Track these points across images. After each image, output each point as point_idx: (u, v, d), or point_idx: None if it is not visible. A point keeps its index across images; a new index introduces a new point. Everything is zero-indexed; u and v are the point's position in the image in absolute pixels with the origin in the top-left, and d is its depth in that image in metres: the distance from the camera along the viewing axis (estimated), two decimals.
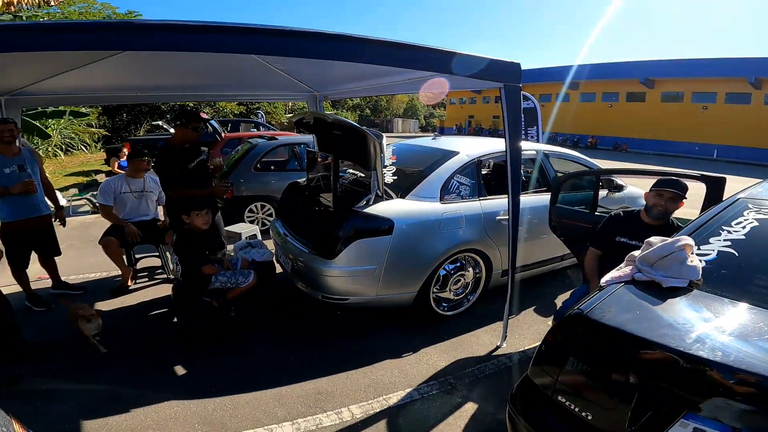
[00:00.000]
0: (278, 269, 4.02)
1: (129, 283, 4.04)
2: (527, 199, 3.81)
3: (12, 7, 9.14)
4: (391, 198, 3.35)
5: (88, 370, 2.79)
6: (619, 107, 31.77)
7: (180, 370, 2.83)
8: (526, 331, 3.50)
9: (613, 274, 1.92)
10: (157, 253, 4.36)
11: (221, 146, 9.41)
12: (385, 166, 3.23)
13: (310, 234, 3.50)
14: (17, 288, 3.64)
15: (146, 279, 4.37)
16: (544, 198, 3.71)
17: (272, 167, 6.63)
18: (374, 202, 3.26)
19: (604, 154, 24.61)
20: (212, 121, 10.46)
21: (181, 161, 3.37)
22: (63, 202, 7.21)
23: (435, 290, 3.49)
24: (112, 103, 10.57)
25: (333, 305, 3.22)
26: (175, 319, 3.43)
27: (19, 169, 3.43)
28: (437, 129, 41.52)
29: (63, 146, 14.18)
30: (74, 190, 9.05)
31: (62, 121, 12.70)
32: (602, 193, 4.21)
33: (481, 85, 3.01)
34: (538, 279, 4.33)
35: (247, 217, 6.14)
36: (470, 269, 3.67)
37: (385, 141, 3.15)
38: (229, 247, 4.63)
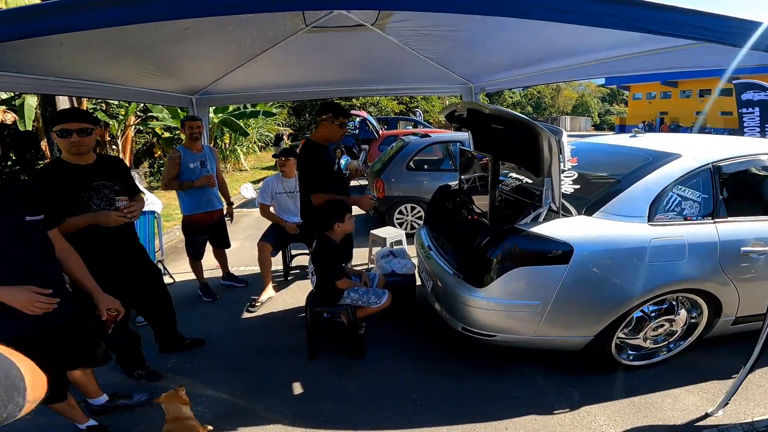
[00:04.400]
0: (419, 281, 3.62)
1: (261, 297, 3.88)
2: None
3: None
4: (571, 214, 2.53)
5: (219, 372, 2.83)
6: None
7: (297, 388, 2.66)
8: (758, 395, 2.45)
9: None
10: (309, 251, 4.43)
11: (379, 143, 9.56)
12: (563, 172, 2.43)
13: (458, 251, 2.95)
14: (192, 277, 4.05)
15: (293, 277, 4.49)
16: None
17: (425, 166, 6.29)
18: (546, 219, 2.49)
19: None
20: (371, 118, 10.80)
21: (326, 161, 3.06)
22: (252, 193, 8.27)
23: (622, 335, 2.60)
24: (278, 100, 11.87)
25: (468, 337, 2.66)
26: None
27: (201, 165, 3.77)
28: (615, 127, 35.83)
29: (260, 143, 16.80)
30: (261, 184, 10.48)
31: (258, 120, 14.84)
32: None
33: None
34: None
35: (396, 219, 5.93)
36: (683, 312, 2.64)
37: (565, 138, 2.37)
38: (374, 251, 4.44)
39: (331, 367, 2.85)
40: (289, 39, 2.92)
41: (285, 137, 16.36)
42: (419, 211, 5.95)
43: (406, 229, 5.87)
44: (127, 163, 9.41)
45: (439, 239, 3.30)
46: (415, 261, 3.70)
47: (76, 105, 6.50)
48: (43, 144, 8.98)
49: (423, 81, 4.71)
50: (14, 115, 8.32)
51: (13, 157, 10.55)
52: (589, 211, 2.50)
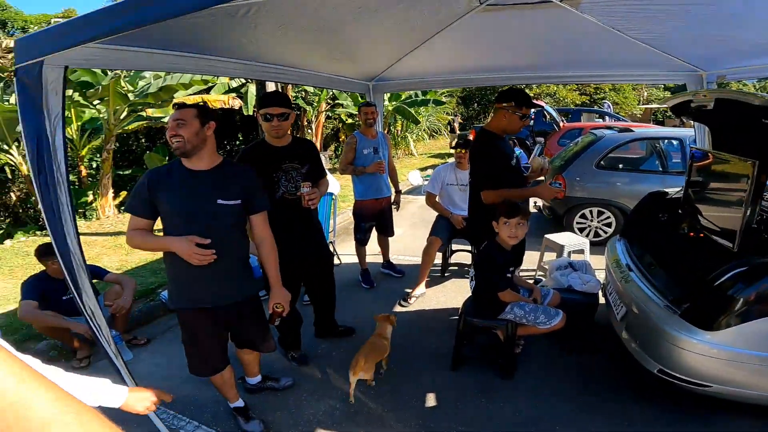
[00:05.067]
0: (601, 300, 2.96)
1: (414, 292, 3.71)
2: None
3: None
4: None
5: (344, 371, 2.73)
6: None
7: (430, 400, 2.44)
8: None
9: None
10: (470, 249, 4.08)
11: (558, 137, 8.49)
12: None
13: (673, 277, 2.27)
14: (356, 260, 4.14)
15: (449, 274, 4.20)
16: None
17: (620, 166, 5.19)
18: None
19: None
20: (549, 108, 9.62)
21: (503, 153, 2.62)
22: (419, 180, 8.36)
23: None
24: (451, 87, 11.55)
25: (663, 381, 2.11)
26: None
27: (374, 151, 3.78)
28: None
29: (429, 131, 17.12)
30: (430, 171, 10.53)
31: (428, 108, 15.03)
32: None
33: None
34: None
35: (577, 224, 5.06)
36: None
37: None
38: (546, 259, 3.82)
39: (473, 383, 2.56)
40: (461, 19, 2.63)
41: (455, 125, 16.21)
42: (608, 217, 4.96)
43: (588, 236, 4.97)
44: (318, 146, 10.63)
45: (644, 258, 2.57)
46: (600, 277, 3.01)
47: (281, 90, 7.52)
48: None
49: (627, 67, 3.78)
50: (241, 101, 10.16)
51: (240, 138, 13.09)
52: None
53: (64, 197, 1.83)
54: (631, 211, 3.16)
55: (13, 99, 7.82)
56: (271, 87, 5.66)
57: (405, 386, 2.55)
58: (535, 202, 5.83)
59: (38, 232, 7.34)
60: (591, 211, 5.01)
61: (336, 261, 4.25)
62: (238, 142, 13.12)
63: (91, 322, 1.98)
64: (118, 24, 1.46)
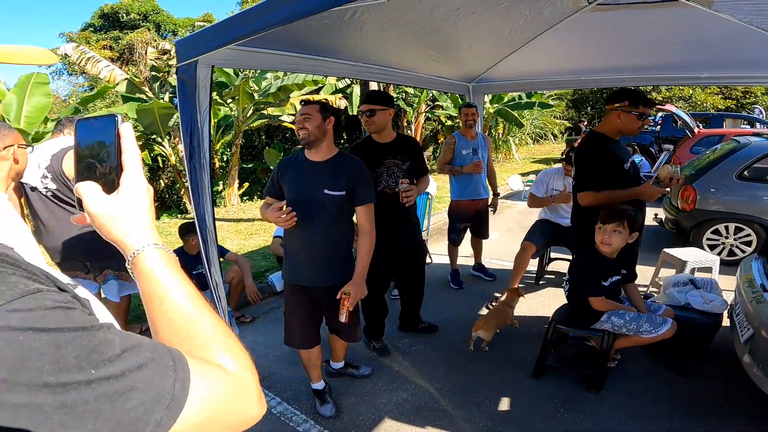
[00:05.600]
0: (725, 322, 2.57)
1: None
2: None
3: None
4: None
5: (438, 364, 2.76)
6: None
7: (504, 405, 2.37)
8: None
9: None
10: (570, 258, 3.80)
11: (692, 144, 7.47)
12: None
13: None
14: (446, 261, 4.12)
15: (545, 282, 3.96)
16: None
17: None
18: None
19: None
20: (681, 113, 8.43)
21: (614, 157, 2.40)
22: (520, 185, 8.00)
23: None
24: (557, 88, 10.67)
25: None
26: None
27: (473, 152, 3.75)
28: None
29: (533, 135, 16.24)
30: (532, 176, 10.01)
31: (533, 111, 14.26)
32: None
33: None
34: None
35: (708, 240, 4.39)
36: None
37: None
38: (662, 275, 3.38)
39: (553, 393, 2.41)
40: (567, 20, 2.49)
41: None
42: (748, 234, 4.22)
43: (721, 254, 4.29)
44: None
45: None
46: (728, 297, 2.60)
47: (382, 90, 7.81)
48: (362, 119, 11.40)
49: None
50: (347, 101, 10.76)
51: (344, 137, 13.89)
52: None
53: (207, 179, 2.21)
54: None
55: (167, 97, 9.33)
56: (373, 87, 5.92)
57: (481, 388, 2.50)
58: (656, 215, 5.18)
59: (179, 215, 8.65)
60: (727, 227, 4.31)
61: (428, 259, 4.29)
62: (342, 141, 13.93)
63: (214, 293, 2.31)
64: (254, 27, 1.70)
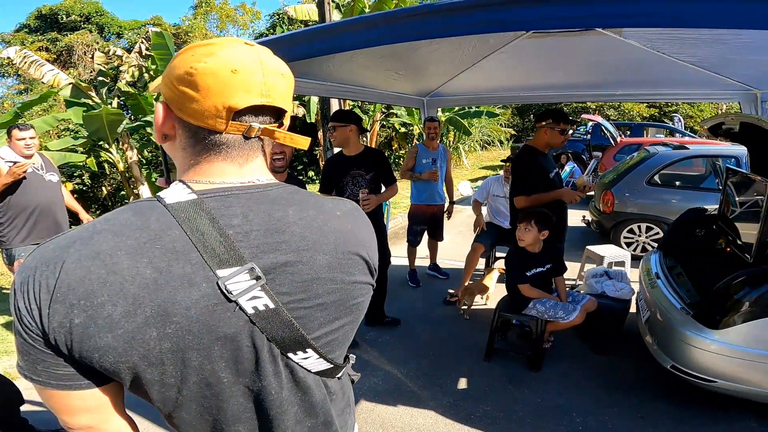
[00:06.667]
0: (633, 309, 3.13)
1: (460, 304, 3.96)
2: None
3: None
4: None
5: (403, 352, 3.10)
6: None
7: (462, 384, 2.74)
8: None
9: None
10: None
11: (615, 152, 8.41)
12: None
13: (695, 285, 2.48)
14: (404, 262, 4.52)
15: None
16: None
17: (677, 183, 5.18)
18: None
19: None
20: (606, 123, 9.45)
21: (542, 168, 2.92)
22: (469, 191, 8.57)
23: None
24: (502, 103, 11.71)
25: (680, 378, 2.30)
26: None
27: (432, 161, 4.17)
28: None
29: (482, 142, 17.17)
30: (480, 182, 10.70)
31: (481, 120, 15.13)
32: None
33: None
34: None
35: (625, 238, 5.12)
36: None
37: None
38: (586, 269, 3.97)
39: (502, 373, 2.83)
40: (509, 44, 2.90)
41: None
42: (657, 233, 4.97)
43: (635, 250, 5.02)
44: None
45: (674, 269, 2.76)
46: (635, 287, 3.17)
47: (341, 104, 8.10)
48: (320, 134, 11.55)
49: (679, 86, 3.87)
50: (304, 109, 10.94)
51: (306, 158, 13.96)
52: None
53: None
54: (670, 226, 3.29)
55: (115, 103, 9.04)
56: (333, 103, 6.23)
57: (441, 371, 2.87)
58: (583, 217, 5.90)
59: None
60: (639, 227, 5.05)
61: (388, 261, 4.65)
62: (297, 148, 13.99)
63: None
64: None
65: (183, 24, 21.40)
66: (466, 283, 3.83)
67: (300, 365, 0.66)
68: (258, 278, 0.59)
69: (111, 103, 8.71)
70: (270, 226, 0.62)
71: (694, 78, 3.36)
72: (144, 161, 11.01)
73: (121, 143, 8.61)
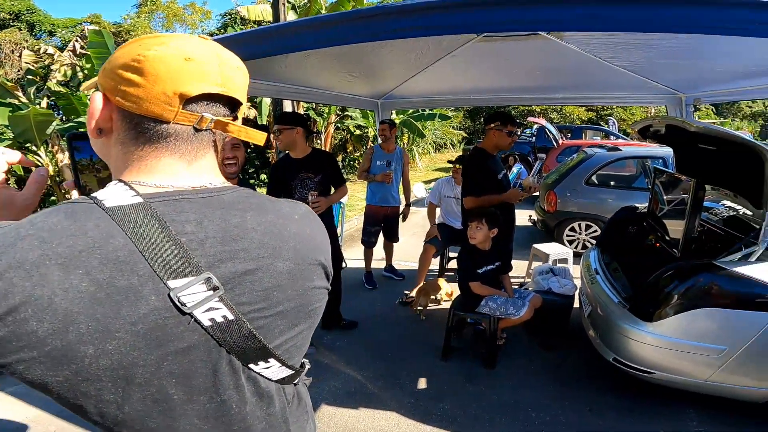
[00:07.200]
0: (577, 304, 3.31)
1: (412, 293, 4.05)
2: None
3: None
4: None
5: (362, 354, 3.10)
6: None
7: (422, 384, 2.79)
8: None
9: None
10: None
11: (557, 154, 8.89)
12: None
13: (630, 280, 2.66)
14: (360, 265, 4.53)
15: (447, 279, 4.56)
16: None
17: (612, 183, 5.58)
18: (762, 259, 2.00)
19: None
20: (549, 126, 10.02)
21: (490, 170, 3.04)
22: (423, 192, 8.73)
23: None
24: (454, 105, 12.26)
25: (622, 370, 2.43)
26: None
27: (387, 164, 4.21)
28: None
29: (435, 144, 17.55)
30: (434, 184, 10.93)
31: (435, 122, 15.47)
32: None
33: None
34: None
35: (567, 236, 5.43)
36: None
37: None
38: (534, 266, 4.18)
39: (460, 371, 2.90)
40: (461, 48, 2.99)
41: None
42: (596, 231, 5.32)
43: (576, 248, 5.34)
44: None
45: (611, 264, 2.96)
46: (578, 282, 3.38)
47: (294, 106, 7.98)
48: (272, 136, 11.32)
49: (614, 90, 4.19)
50: (255, 110, 10.66)
51: (251, 146, 13.57)
52: None
53: None
54: (606, 224, 3.54)
55: (44, 103, 8.36)
56: (286, 104, 6.13)
57: (400, 372, 2.90)
58: (530, 216, 6.20)
59: None
60: (580, 225, 5.38)
61: (343, 264, 4.63)
62: (249, 150, 13.63)
63: None
64: None
65: (125, 23, 20.22)
66: (420, 284, 3.91)
67: (262, 375, 0.64)
68: (215, 288, 0.55)
69: (40, 104, 8.06)
70: (227, 233, 0.58)
71: (627, 82, 3.64)
72: None
73: (50, 145, 7.97)
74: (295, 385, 0.74)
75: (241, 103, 0.64)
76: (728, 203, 2.85)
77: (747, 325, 2.08)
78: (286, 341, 0.66)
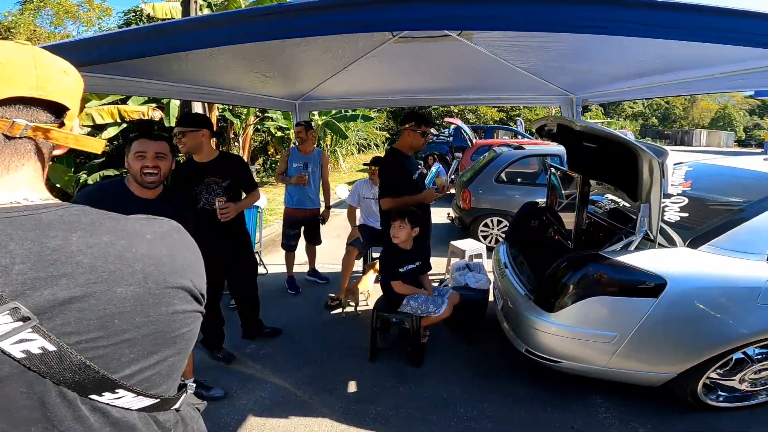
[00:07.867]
0: (492, 298, 3.50)
1: (342, 309, 4.02)
2: None
3: None
4: (673, 245, 2.27)
5: (288, 362, 3.02)
6: None
7: (352, 387, 2.76)
8: None
9: None
10: None
11: (471, 153, 9.39)
12: (669, 197, 2.18)
13: (534, 272, 2.83)
14: (282, 270, 4.40)
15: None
16: None
17: (518, 180, 6.03)
18: (639, 248, 2.27)
19: None
20: (464, 126, 10.61)
21: (406, 170, 3.10)
22: (346, 194, 8.72)
23: (714, 376, 2.33)
24: (372, 107, 12.64)
25: (535, 361, 2.56)
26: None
27: (303, 166, 4.12)
28: (765, 144, 30.27)
29: (358, 145, 17.64)
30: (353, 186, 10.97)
31: (357, 123, 15.55)
32: None
33: None
34: None
35: (481, 232, 5.77)
36: None
37: (670, 161, 2.12)
38: (453, 262, 4.38)
39: (389, 371, 2.92)
40: (378, 48, 3.03)
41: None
42: (506, 225, 5.72)
43: (490, 242, 5.69)
44: (246, 159, 10.56)
45: (518, 258, 3.16)
46: (492, 276, 3.60)
47: (205, 108, 7.51)
48: (174, 139, 10.51)
49: (517, 91, 4.55)
50: (162, 112, 9.85)
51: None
52: (695, 243, 2.22)
53: None
54: (512, 219, 3.81)
55: None
56: (197, 105, 5.75)
57: (330, 376, 2.86)
58: (448, 214, 6.48)
59: None
60: (492, 221, 5.75)
61: (262, 270, 4.47)
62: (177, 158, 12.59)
63: None
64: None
65: (5, 20, 17.58)
66: (345, 285, 3.91)
67: (113, 405, 0.59)
68: (26, 319, 0.51)
69: None
70: (43, 258, 0.53)
71: (528, 84, 3.95)
72: None
73: None
74: (177, 410, 0.69)
75: (68, 109, 0.60)
76: (611, 196, 3.19)
77: (632, 312, 2.18)
78: (142, 370, 0.61)
